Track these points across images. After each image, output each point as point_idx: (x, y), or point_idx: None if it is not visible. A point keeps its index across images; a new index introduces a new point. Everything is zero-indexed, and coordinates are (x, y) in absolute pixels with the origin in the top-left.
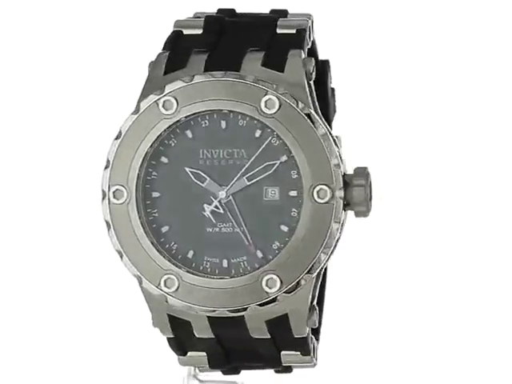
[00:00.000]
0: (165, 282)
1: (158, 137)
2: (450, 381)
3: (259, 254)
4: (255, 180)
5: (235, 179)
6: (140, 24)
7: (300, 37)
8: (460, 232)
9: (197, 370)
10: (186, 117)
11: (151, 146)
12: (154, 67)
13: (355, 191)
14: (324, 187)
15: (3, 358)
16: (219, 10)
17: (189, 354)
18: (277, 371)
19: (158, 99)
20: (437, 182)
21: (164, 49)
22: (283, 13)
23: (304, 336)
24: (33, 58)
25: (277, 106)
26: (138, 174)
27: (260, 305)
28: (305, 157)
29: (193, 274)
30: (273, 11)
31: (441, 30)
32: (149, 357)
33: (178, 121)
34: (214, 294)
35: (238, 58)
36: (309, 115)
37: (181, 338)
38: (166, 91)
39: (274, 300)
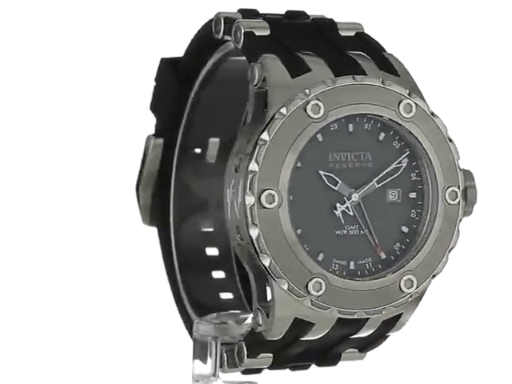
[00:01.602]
0: (313, 285)
1: (310, 140)
2: None
3: (382, 256)
4: (383, 183)
5: (368, 182)
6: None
7: (372, 39)
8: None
9: (218, 370)
10: (334, 121)
11: (302, 149)
12: (271, 71)
13: (469, 192)
14: (455, 188)
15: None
16: (240, 11)
17: (260, 355)
18: (293, 369)
19: (305, 103)
20: None
21: (259, 51)
22: (305, 14)
23: (390, 334)
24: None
25: (414, 110)
26: (290, 178)
27: (396, 306)
28: (438, 159)
29: (340, 276)
30: (289, 12)
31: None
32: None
33: (327, 125)
34: (354, 296)
35: (354, 62)
36: (437, 118)
37: (280, 340)
38: (312, 94)
39: (407, 300)
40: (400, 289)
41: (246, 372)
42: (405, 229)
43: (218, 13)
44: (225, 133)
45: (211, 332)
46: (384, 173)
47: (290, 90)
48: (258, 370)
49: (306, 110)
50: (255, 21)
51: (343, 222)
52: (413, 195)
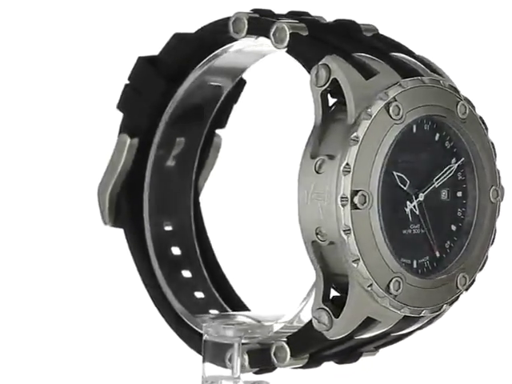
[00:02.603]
0: (393, 284)
1: (393, 141)
2: None
3: (437, 254)
4: (441, 183)
5: (429, 182)
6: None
7: (394, 40)
8: None
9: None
10: (411, 122)
11: (388, 150)
12: (343, 72)
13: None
14: (496, 187)
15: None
16: (255, 11)
17: (303, 356)
18: (305, 367)
19: (386, 104)
20: None
21: (311, 52)
22: (309, 14)
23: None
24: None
25: (468, 111)
26: (379, 179)
27: (451, 303)
28: (485, 158)
29: (414, 274)
30: (292, 12)
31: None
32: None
33: (406, 126)
34: (423, 294)
35: (406, 63)
36: (481, 119)
37: (335, 339)
38: (391, 96)
39: (458, 297)
40: (457, 286)
41: (259, 372)
42: (453, 227)
43: (237, 12)
44: (191, 133)
45: (235, 333)
46: (442, 172)
47: (368, 91)
48: (271, 370)
49: (388, 112)
50: (293, 21)
51: (411, 220)
52: (459, 194)
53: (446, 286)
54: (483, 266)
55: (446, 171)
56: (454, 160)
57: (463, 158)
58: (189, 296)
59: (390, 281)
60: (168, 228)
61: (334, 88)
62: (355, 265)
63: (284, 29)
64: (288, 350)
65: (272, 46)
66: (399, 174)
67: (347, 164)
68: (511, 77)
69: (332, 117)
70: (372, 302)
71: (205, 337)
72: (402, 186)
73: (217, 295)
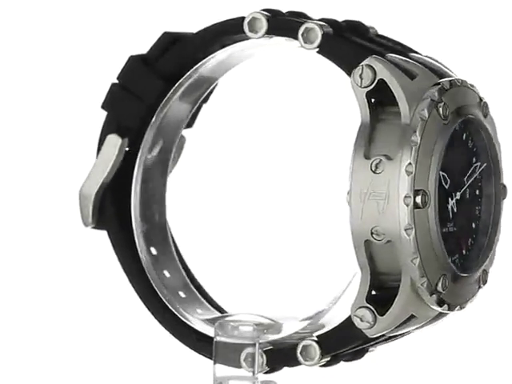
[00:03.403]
0: (441, 282)
1: (444, 142)
2: None
3: (464, 251)
4: (470, 182)
5: (462, 180)
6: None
7: (395, 40)
8: None
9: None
10: (454, 122)
11: (441, 150)
12: (392, 72)
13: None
14: (505, 185)
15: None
16: (267, 11)
17: (331, 354)
18: (326, 365)
19: (436, 104)
20: None
21: (359, 53)
22: (307, 15)
23: None
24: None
25: (488, 110)
26: (435, 178)
27: (473, 299)
28: (499, 156)
29: (452, 272)
30: (291, 13)
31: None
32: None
33: (455, 128)
34: (458, 291)
35: (430, 64)
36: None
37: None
38: (438, 96)
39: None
40: (479, 282)
41: (267, 372)
42: (473, 225)
43: (253, 12)
44: (170, 133)
45: (255, 333)
46: (470, 171)
47: (415, 91)
48: (280, 369)
49: (438, 112)
50: (318, 22)
51: (450, 219)
52: (477, 192)
53: (472, 283)
54: (494, 262)
55: (472, 170)
56: (474, 159)
57: (484, 157)
58: (174, 294)
59: (439, 279)
60: (148, 229)
61: (378, 89)
62: (413, 263)
63: (315, 29)
64: (318, 348)
65: (299, 45)
66: (443, 173)
67: (409, 164)
68: (503, 77)
69: (376, 117)
70: (418, 301)
71: (216, 338)
72: (445, 185)
73: (198, 295)
